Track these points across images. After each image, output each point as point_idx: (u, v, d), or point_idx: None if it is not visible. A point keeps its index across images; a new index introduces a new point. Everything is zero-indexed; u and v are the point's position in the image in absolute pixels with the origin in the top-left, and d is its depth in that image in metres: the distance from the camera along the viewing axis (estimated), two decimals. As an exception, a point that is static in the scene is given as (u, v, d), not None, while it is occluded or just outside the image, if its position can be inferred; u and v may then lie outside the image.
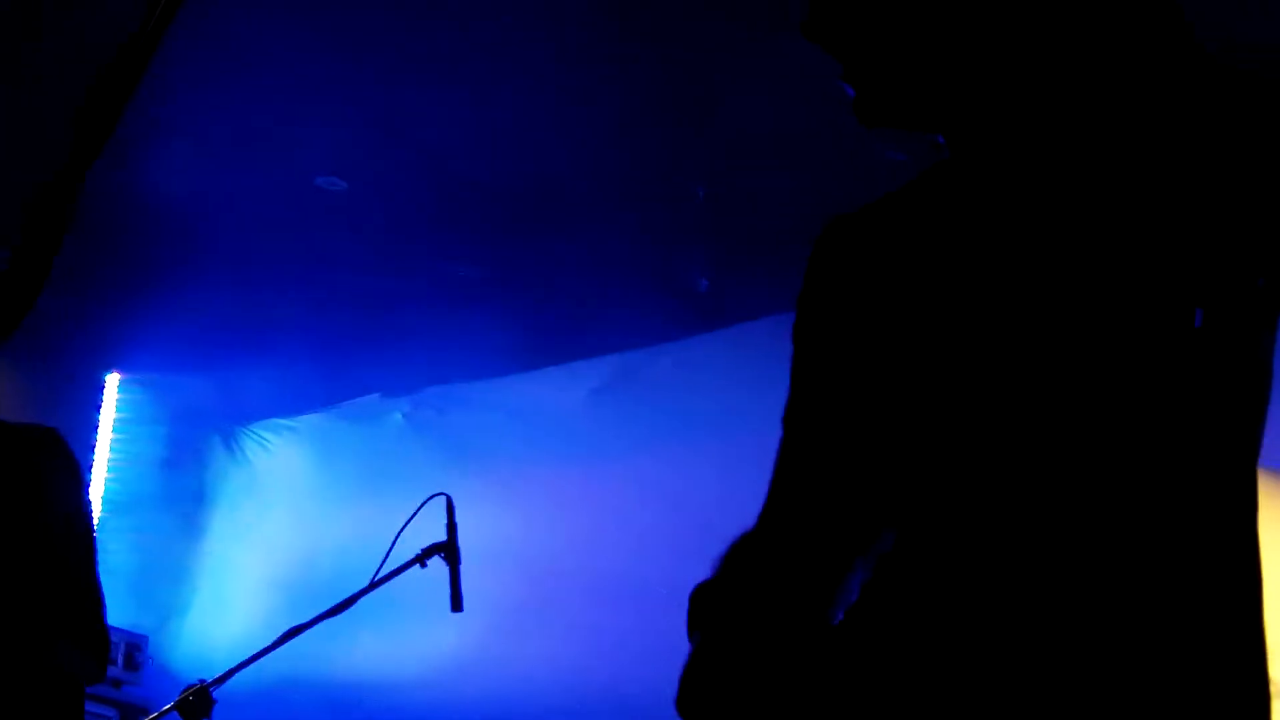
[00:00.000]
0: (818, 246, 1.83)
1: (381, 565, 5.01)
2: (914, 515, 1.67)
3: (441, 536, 5.17)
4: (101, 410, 7.88)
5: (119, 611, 7.42)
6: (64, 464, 3.40)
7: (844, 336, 1.76)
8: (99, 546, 3.46)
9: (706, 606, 1.84)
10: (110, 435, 7.89)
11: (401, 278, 6.84)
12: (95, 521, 7.39)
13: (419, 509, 5.10)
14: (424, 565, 5.06)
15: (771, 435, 1.85)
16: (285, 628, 5.10)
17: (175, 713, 4.93)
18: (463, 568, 5.17)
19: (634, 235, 6.27)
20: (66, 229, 1.50)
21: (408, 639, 6.64)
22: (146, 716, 5.48)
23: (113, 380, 7.89)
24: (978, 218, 1.66)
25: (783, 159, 5.52)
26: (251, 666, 5.08)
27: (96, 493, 7.72)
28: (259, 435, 8.08)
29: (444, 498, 5.15)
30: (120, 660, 6.88)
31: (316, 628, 5.08)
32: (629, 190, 5.94)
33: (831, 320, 1.78)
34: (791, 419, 1.81)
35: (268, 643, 5.10)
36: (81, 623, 3.39)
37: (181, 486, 7.97)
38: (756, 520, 1.83)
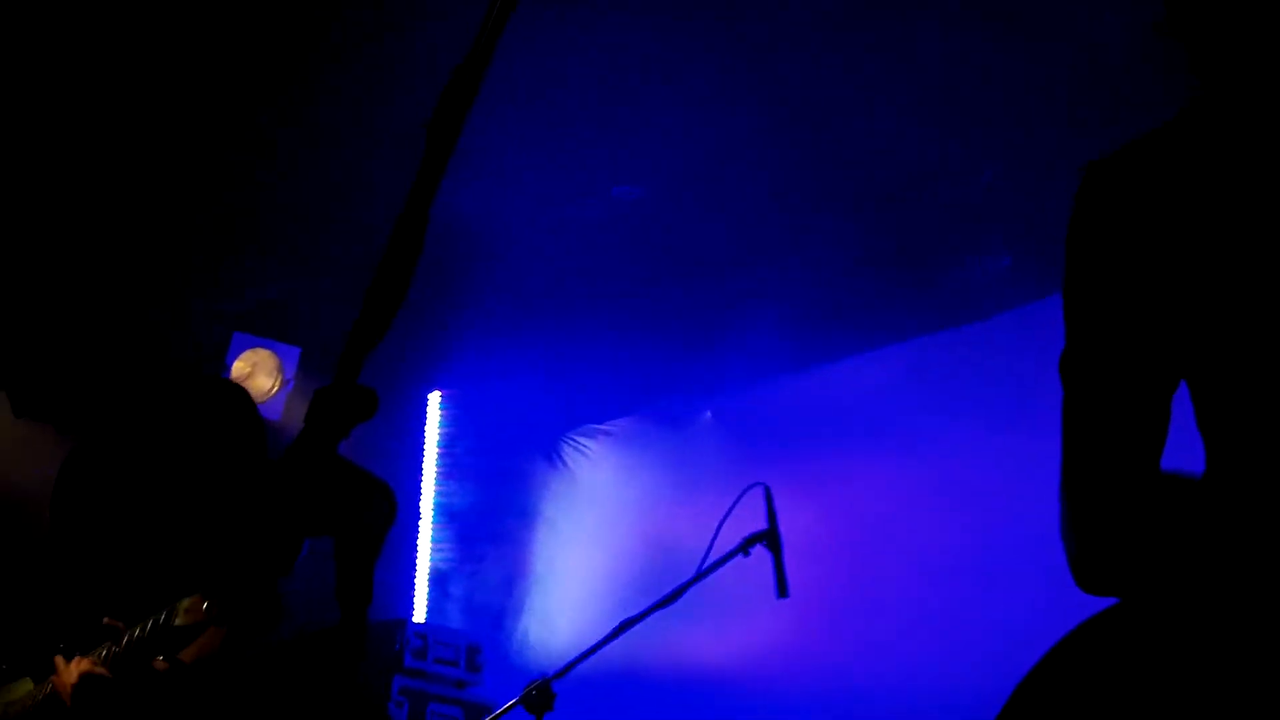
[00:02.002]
0: (1081, 194, 1.85)
1: (706, 556, 5.15)
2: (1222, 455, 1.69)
3: (760, 526, 5.27)
4: (426, 427, 8.21)
5: (457, 616, 7.78)
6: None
7: (1117, 280, 1.77)
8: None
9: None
10: (436, 451, 8.22)
11: (702, 280, 6.98)
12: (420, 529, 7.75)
13: (739, 498, 5.21)
14: (747, 554, 5.17)
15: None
16: (613, 625, 5.28)
17: (520, 707, 5.16)
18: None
19: (925, 219, 6.27)
20: (422, 247, 1.65)
21: (732, 628, 6.75)
22: (490, 714, 5.73)
23: (434, 398, 8.23)
24: (1245, 160, 1.68)
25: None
26: (587, 661, 5.27)
27: (426, 506, 8.09)
28: (576, 442, 8.31)
29: (762, 487, 5.25)
30: (462, 662, 7.17)
31: (647, 621, 5.24)
32: (922, 174, 5.96)
33: (1103, 264, 1.79)
34: (1069, 367, 1.82)
35: (598, 639, 5.29)
36: None
37: (505, 495, 8.24)
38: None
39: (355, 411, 1.59)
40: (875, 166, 5.99)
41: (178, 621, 3.25)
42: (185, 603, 3.28)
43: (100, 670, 3.41)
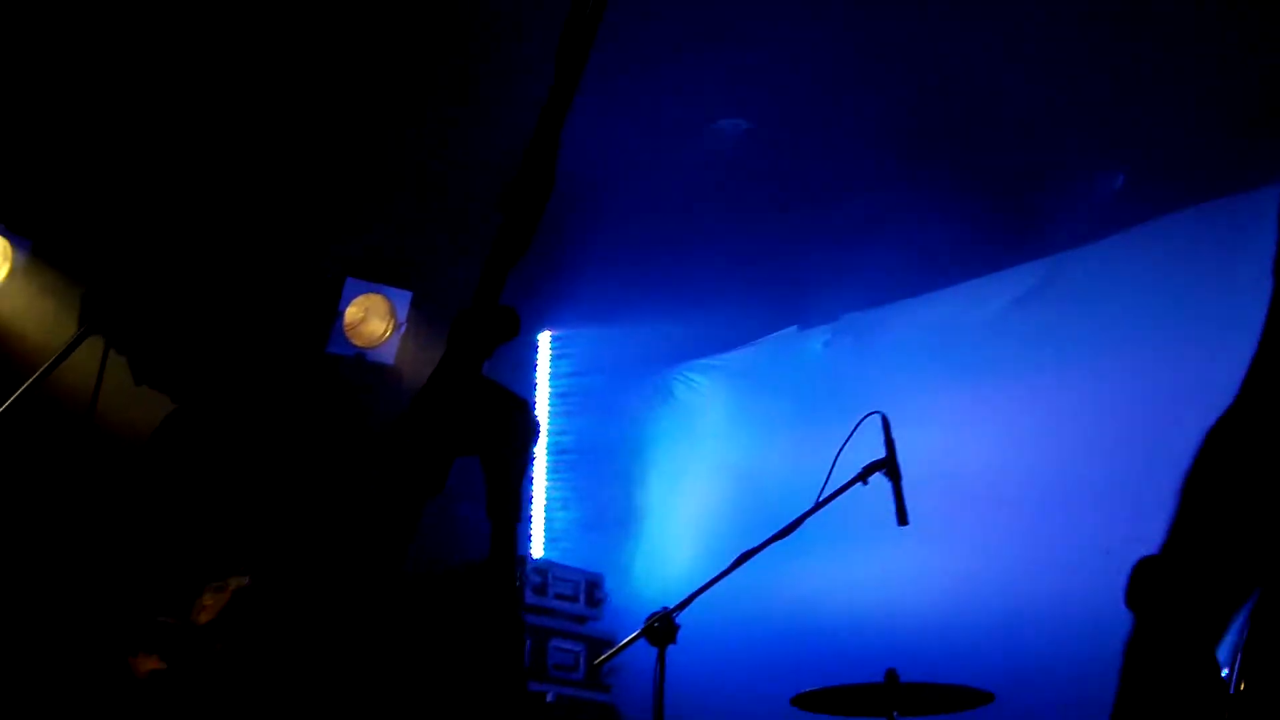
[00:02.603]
0: None
1: (824, 486, 5.14)
2: None
3: (877, 455, 5.26)
4: (537, 368, 8.26)
5: (574, 554, 7.85)
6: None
7: None
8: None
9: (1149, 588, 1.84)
10: (548, 390, 8.27)
11: (807, 210, 6.94)
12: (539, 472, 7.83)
13: (856, 427, 5.19)
14: (865, 483, 5.16)
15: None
16: (729, 557, 5.30)
17: (643, 640, 5.21)
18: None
19: (1045, 139, 6.19)
20: (555, 171, 1.66)
21: (850, 557, 6.75)
22: (611, 648, 5.78)
23: (544, 338, 8.27)
24: None
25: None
26: (707, 592, 5.30)
27: (540, 445, 8.16)
28: (686, 376, 8.32)
29: (879, 416, 5.23)
30: (582, 597, 7.24)
31: (764, 552, 5.26)
32: (1042, 90, 5.88)
33: None
34: None
35: (715, 572, 5.32)
36: None
37: (618, 432, 8.27)
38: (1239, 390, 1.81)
39: (498, 331, 1.60)
40: (982, 90, 5.91)
41: (201, 619, 3.29)
42: (205, 599, 3.31)
43: (159, 665, 3.43)
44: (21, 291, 6.31)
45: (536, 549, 8.03)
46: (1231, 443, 1.84)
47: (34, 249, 6.31)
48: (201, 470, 3.63)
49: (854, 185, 6.71)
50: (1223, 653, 1.83)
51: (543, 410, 8.22)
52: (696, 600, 5.29)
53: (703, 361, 8.24)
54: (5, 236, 6.23)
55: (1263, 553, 1.80)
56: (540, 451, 8.15)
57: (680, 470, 8.16)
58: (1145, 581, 1.87)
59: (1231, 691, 1.80)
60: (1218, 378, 1.99)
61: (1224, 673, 1.83)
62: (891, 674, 4.99)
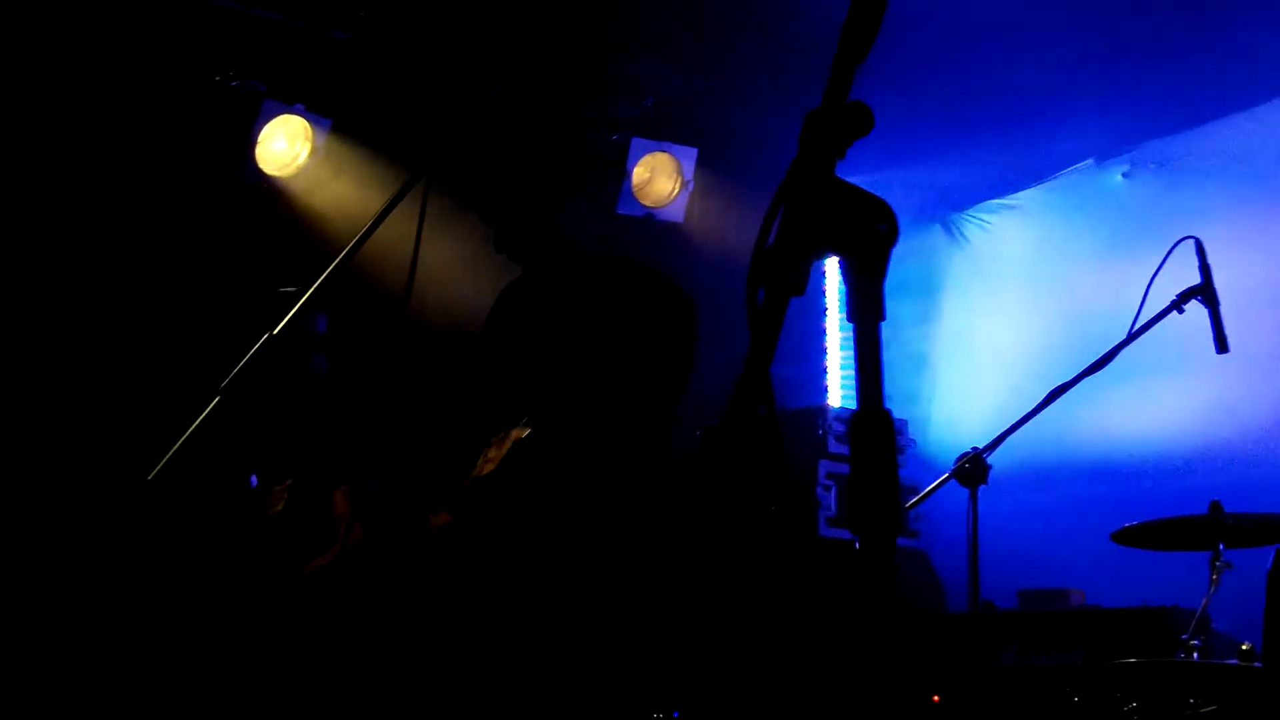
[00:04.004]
0: None
1: (1137, 317, 4.98)
2: None
3: (1189, 283, 5.07)
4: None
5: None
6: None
7: None
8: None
9: None
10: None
11: (1097, 38, 6.65)
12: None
13: (1169, 254, 5.00)
14: (1181, 310, 4.99)
15: None
16: (1034, 397, 5.19)
17: (953, 482, 5.16)
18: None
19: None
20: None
21: (1165, 389, 6.57)
22: (916, 495, 5.75)
23: (826, 188, 8.19)
24: None
25: None
26: (1015, 433, 5.22)
27: (832, 293, 8.18)
28: (978, 218, 8.16)
29: (1192, 241, 5.03)
30: (886, 445, 7.21)
31: (1076, 388, 5.14)
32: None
33: None
34: None
35: (1020, 413, 5.22)
36: None
37: (910, 279, 8.17)
38: None
39: (851, 126, 1.58)
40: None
41: (485, 470, 3.35)
42: (490, 451, 3.36)
43: (448, 519, 3.53)
44: (324, 170, 6.53)
45: (834, 398, 8.04)
46: None
47: (334, 127, 6.51)
48: (534, 335, 3.71)
49: (1143, 4, 6.40)
50: None
51: (833, 260, 8.16)
52: (1005, 442, 5.21)
53: (995, 202, 8.07)
54: (306, 117, 6.43)
55: None
56: (831, 298, 8.14)
57: (976, 313, 8.03)
58: None
59: None
60: None
61: None
62: (1216, 506, 4.83)
